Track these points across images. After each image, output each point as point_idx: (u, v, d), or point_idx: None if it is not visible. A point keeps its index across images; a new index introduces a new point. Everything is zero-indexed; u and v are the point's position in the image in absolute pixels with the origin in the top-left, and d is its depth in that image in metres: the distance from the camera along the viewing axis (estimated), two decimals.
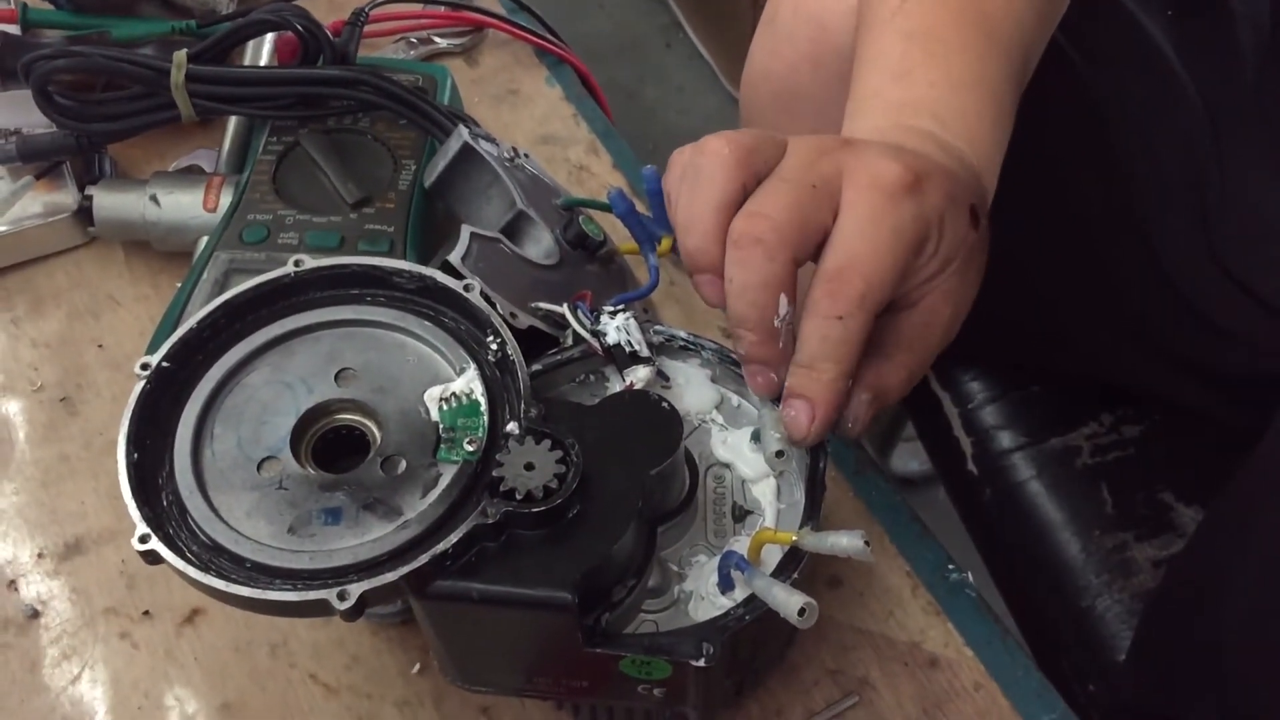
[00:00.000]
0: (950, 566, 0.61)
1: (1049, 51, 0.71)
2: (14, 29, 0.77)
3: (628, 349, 0.55)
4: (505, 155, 0.66)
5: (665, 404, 0.51)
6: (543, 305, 0.58)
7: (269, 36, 0.74)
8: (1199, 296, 0.77)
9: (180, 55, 0.67)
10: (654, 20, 1.99)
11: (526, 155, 0.68)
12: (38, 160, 0.73)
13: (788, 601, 0.47)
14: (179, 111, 0.68)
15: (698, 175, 0.51)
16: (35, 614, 0.60)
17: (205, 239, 0.67)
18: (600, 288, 0.65)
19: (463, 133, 0.64)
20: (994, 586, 0.97)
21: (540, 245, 0.64)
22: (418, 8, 0.82)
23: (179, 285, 0.66)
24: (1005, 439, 0.94)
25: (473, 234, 0.60)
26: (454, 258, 0.58)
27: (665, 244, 0.68)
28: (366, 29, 0.76)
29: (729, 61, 1.89)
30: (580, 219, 0.65)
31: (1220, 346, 0.78)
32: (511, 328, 0.56)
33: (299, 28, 0.67)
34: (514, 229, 0.64)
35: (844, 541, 0.48)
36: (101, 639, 0.59)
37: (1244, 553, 0.73)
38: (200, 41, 0.70)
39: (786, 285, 0.49)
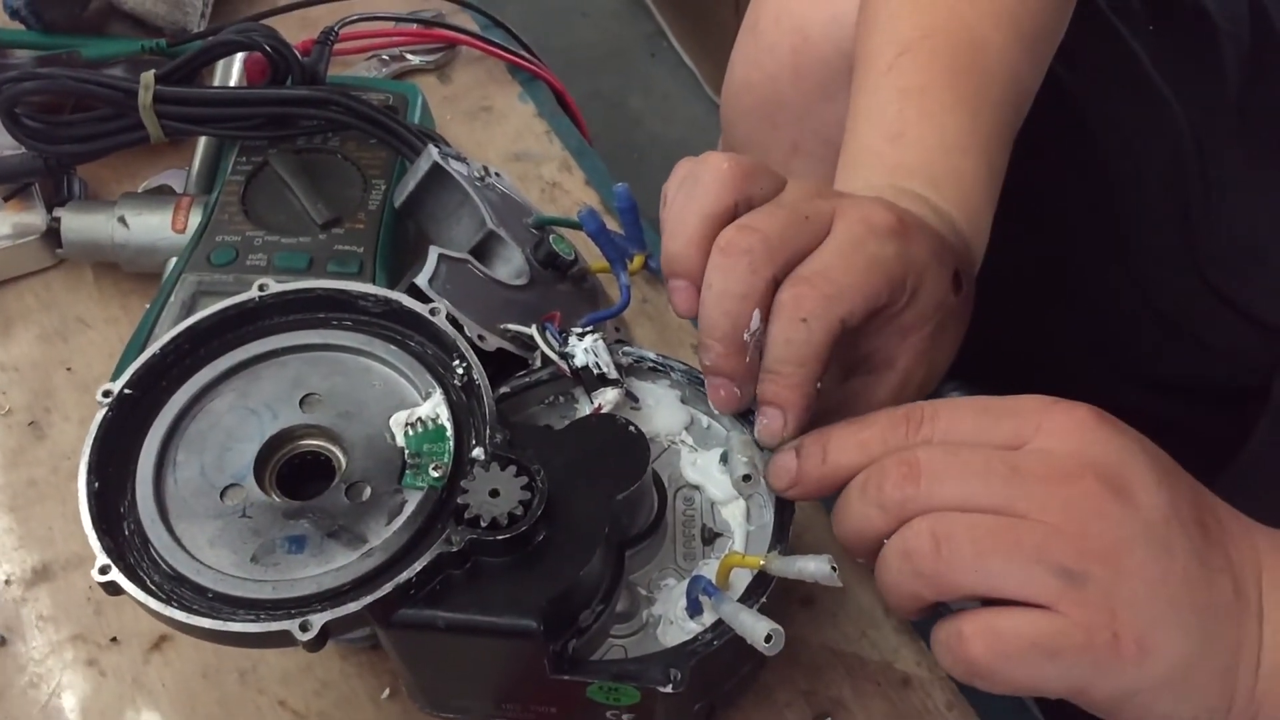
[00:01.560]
0: None
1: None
2: None
3: (596, 371, 0.55)
4: (475, 174, 0.66)
5: (632, 428, 0.51)
6: (511, 327, 0.58)
7: (238, 56, 0.73)
8: (1181, 309, 0.77)
9: (148, 76, 0.67)
10: (638, 29, 1.99)
11: (498, 174, 0.68)
12: (6, 182, 0.72)
13: (754, 628, 0.47)
14: (147, 132, 0.68)
15: (695, 183, 0.51)
16: (3, 641, 0.60)
17: (174, 260, 0.67)
18: (572, 307, 0.65)
19: (432, 153, 0.64)
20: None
21: (511, 265, 0.63)
22: (390, 25, 0.82)
23: (147, 307, 0.66)
24: None
25: (440, 255, 0.59)
26: (421, 280, 0.57)
27: (637, 262, 0.68)
28: (339, 45, 0.76)
29: (713, 70, 1.89)
30: (551, 238, 0.65)
31: (1201, 359, 0.78)
32: (480, 350, 0.56)
33: (267, 48, 0.67)
34: (484, 249, 0.64)
35: (811, 566, 0.48)
36: (69, 666, 0.59)
37: None
38: (170, 61, 0.69)
39: (763, 302, 0.49)
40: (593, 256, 0.67)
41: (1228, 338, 0.76)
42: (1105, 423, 0.44)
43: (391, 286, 0.61)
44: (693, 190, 0.51)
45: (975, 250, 0.59)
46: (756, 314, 0.49)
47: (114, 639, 0.60)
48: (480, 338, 0.57)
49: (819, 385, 0.49)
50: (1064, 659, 0.41)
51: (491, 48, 0.83)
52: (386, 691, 0.58)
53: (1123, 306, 0.79)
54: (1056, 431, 0.43)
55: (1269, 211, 0.73)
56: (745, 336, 0.49)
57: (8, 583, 0.62)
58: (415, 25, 0.82)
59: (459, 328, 0.54)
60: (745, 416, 0.55)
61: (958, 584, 0.43)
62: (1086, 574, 0.41)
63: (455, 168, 0.65)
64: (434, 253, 0.59)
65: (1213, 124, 0.75)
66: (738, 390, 0.50)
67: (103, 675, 0.59)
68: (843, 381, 0.55)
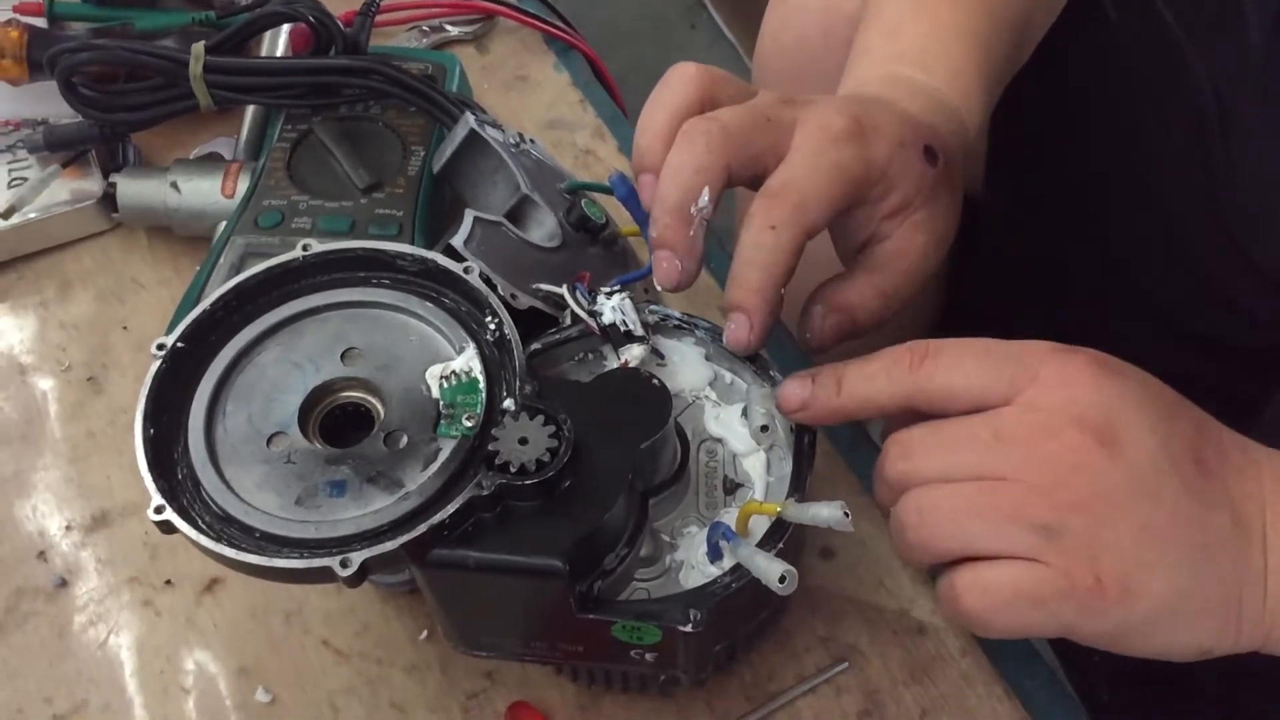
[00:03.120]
0: None
1: (1066, 16, 0.73)
2: (41, 22, 0.79)
3: (623, 328, 0.57)
4: (511, 141, 0.68)
5: (656, 381, 0.53)
6: (543, 286, 0.60)
7: (284, 28, 0.76)
8: (1204, 265, 0.78)
9: (198, 47, 0.70)
10: (678, 2, 2.00)
11: (532, 141, 0.70)
12: (64, 149, 0.76)
13: (769, 569, 0.49)
14: (198, 101, 0.71)
15: (664, 85, 0.55)
16: (64, 583, 0.63)
17: (223, 224, 0.70)
18: (602, 269, 0.67)
19: (469, 120, 0.66)
20: None
21: (544, 228, 0.66)
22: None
23: (198, 269, 0.69)
24: None
25: (476, 218, 0.62)
26: (457, 241, 0.60)
27: None
28: (380, 17, 0.78)
29: (753, 42, 1.90)
30: (583, 202, 0.67)
31: (1222, 317, 0.79)
32: (512, 308, 0.59)
33: (311, 19, 0.69)
34: (518, 213, 0.66)
35: (824, 512, 0.50)
36: (126, 606, 0.62)
37: None
38: (219, 32, 0.72)
39: (714, 182, 0.52)
40: (624, 221, 0.69)
41: (1248, 295, 0.77)
42: (1103, 370, 0.46)
43: (429, 248, 0.64)
44: (661, 91, 0.55)
45: (969, 121, 0.62)
46: (706, 190, 0.52)
47: (168, 581, 0.63)
48: (513, 296, 0.59)
49: (783, 291, 0.53)
50: (1049, 605, 0.44)
51: (527, 18, 0.85)
52: (425, 633, 0.61)
53: (1148, 258, 0.80)
54: (1050, 381, 0.45)
55: None
56: (692, 210, 0.52)
57: (68, 528, 0.65)
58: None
59: (492, 286, 0.57)
60: (765, 371, 0.57)
61: (943, 549, 0.46)
62: (1063, 526, 0.43)
63: (491, 134, 0.67)
64: (469, 215, 0.62)
65: (1235, 83, 0.75)
66: (679, 264, 0.53)
67: (158, 615, 0.62)
68: (854, 257, 0.58)
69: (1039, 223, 0.84)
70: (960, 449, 0.46)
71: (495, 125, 0.68)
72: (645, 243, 0.67)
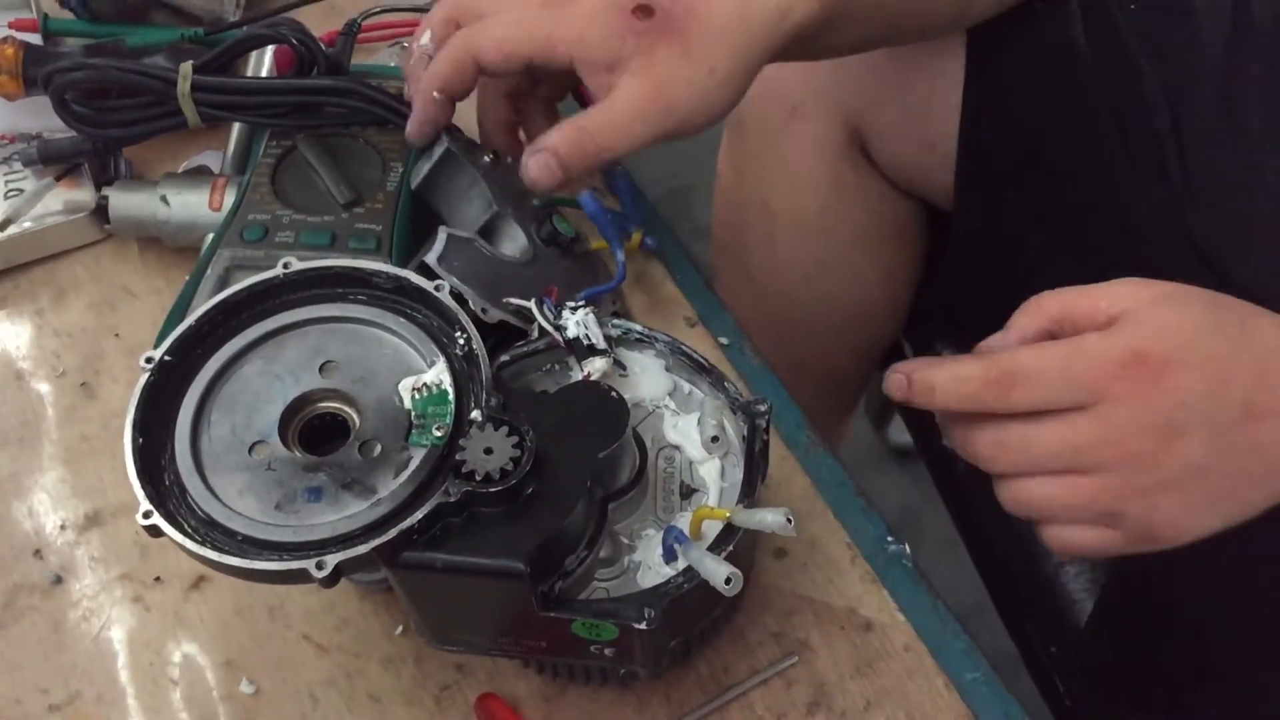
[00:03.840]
0: (889, 539, 0.66)
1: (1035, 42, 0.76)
2: (36, 38, 0.82)
3: (586, 342, 0.61)
4: (485, 159, 0.71)
5: (614, 393, 0.56)
6: (513, 300, 0.64)
7: (269, 49, 0.79)
8: (1175, 278, 0.81)
9: (186, 67, 0.73)
10: None
11: (509, 157, 0.74)
12: (58, 162, 0.79)
13: (716, 571, 0.52)
14: (186, 118, 0.74)
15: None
16: (58, 580, 0.67)
17: (211, 236, 0.73)
18: (573, 280, 0.71)
19: (444, 140, 0.70)
20: (958, 548, 1.02)
21: (516, 243, 0.69)
22: (412, 16, 0.87)
23: (187, 279, 0.72)
24: None
25: (449, 235, 0.65)
26: (430, 258, 0.63)
27: (635, 239, 0.74)
28: (364, 34, 0.81)
29: None
30: (554, 218, 0.71)
31: None
32: (483, 322, 0.62)
33: (293, 41, 0.73)
34: (491, 228, 0.69)
35: (769, 518, 0.53)
36: (118, 602, 0.66)
37: None
38: (207, 50, 0.75)
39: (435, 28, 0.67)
40: (596, 236, 0.73)
41: None
42: (1164, 372, 0.55)
43: (406, 261, 0.67)
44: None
45: None
46: (429, 33, 0.66)
47: (158, 578, 0.66)
48: (483, 310, 0.63)
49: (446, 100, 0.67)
50: (1109, 550, 0.58)
51: None
52: (400, 628, 0.64)
53: (1121, 274, 0.83)
54: (1119, 396, 0.55)
55: (1254, 195, 0.77)
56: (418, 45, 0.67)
57: (63, 527, 0.69)
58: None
59: (463, 302, 0.60)
60: (720, 384, 0.61)
61: (1031, 517, 0.59)
62: (1125, 510, 0.56)
63: (465, 153, 0.70)
64: (443, 232, 0.65)
65: (1191, 98, 0.78)
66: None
67: (147, 610, 0.65)
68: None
69: (1007, 240, 0.87)
70: (1042, 458, 0.56)
71: (471, 143, 0.72)
72: (614, 255, 0.70)
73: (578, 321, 0.61)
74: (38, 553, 0.68)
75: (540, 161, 0.63)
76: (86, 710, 0.62)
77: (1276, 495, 0.57)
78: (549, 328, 0.61)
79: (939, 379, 0.58)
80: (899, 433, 1.68)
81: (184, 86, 0.73)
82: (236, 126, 0.80)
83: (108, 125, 0.76)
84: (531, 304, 0.62)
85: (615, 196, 0.79)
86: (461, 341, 0.57)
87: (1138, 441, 0.55)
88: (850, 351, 1.07)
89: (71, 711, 0.62)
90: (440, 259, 0.64)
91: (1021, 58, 0.81)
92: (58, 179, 0.80)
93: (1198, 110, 0.78)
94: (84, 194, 0.79)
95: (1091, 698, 0.88)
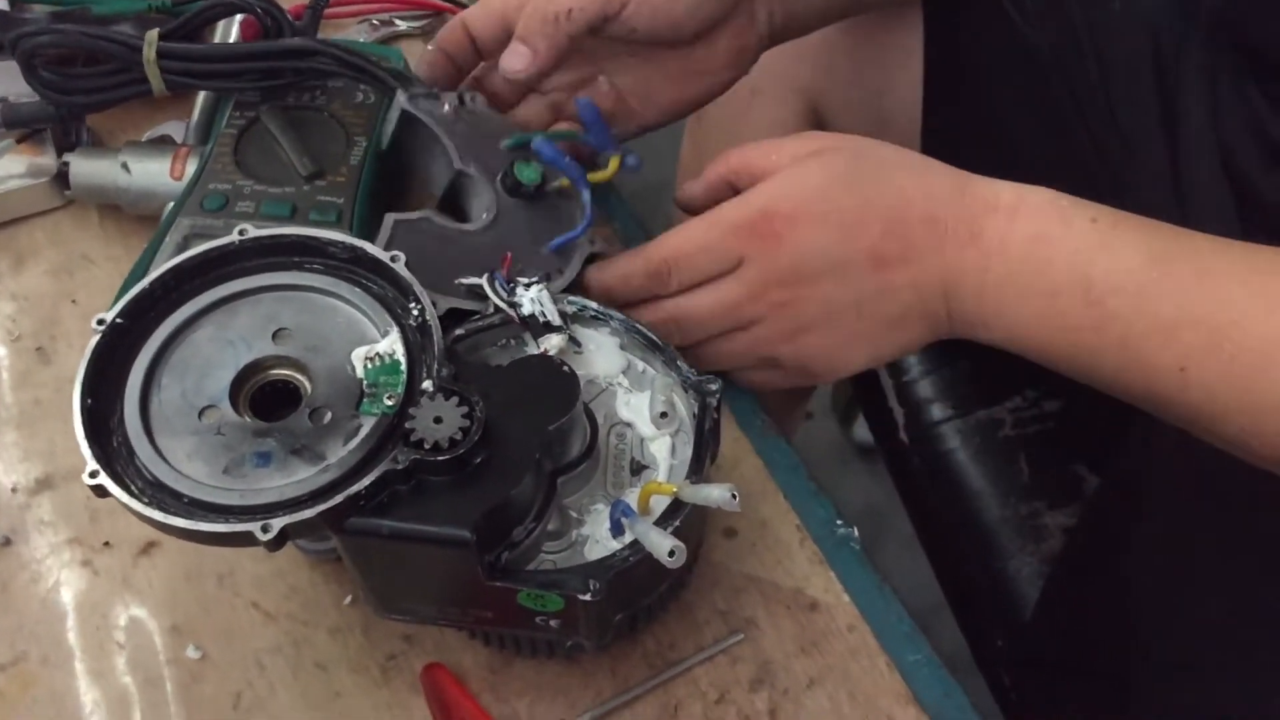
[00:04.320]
0: (839, 522, 0.67)
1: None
2: (3, 4, 0.82)
3: (541, 319, 0.61)
4: (447, 110, 0.71)
5: (566, 367, 0.57)
6: (464, 281, 0.64)
7: (236, 19, 0.79)
8: None
9: (152, 34, 0.73)
10: None
11: (473, 97, 0.73)
12: (21, 127, 0.79)
13: (660, 544, 0.53)
14: (151, 86, 0.74)
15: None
16: (8, 541, 0.67)
17: (171, 205, 0.73)
18: (544, 228, 0.69)
19: (400, 100, 0.69)
20: (920, 547, 1.04)
21: (483, 199, 0.68)
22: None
23: (146, 246, 0.72)
24: (935, 411, 1.00)
25: (395, 221, 0.65)
26: (375, 249, 0.62)
27: (613, 165, 0.72)
28: (330, 10, 0.81)
29: None
30: (515, 165, 0.69)
31: None
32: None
33: (259, 10, 0.73)
34: (457, 188, 0.69)
35: (715, 494, 0.54)
36: (66, 565, 0.66)
37: (1136, 516, 0.79)
38: (173, 20, 0.75)
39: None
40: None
41: None
42: (793, 227, 0.61)
43: (366, 235, 0.67)
44: None
45: None
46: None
47: (106, 543, 0.66)
48: (433, 303, 0.62)
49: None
50: (779, 383, 0.68)
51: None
52: (349, 598, 0.64)
53: None
54: (754, 256, 0.62)
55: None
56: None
57: (14, 490, 0.68)
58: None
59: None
60: (674, 362, 0.61)
61: (720, 369, 0.66)
62: (777, 353, 0.65)
63: (425, 108, 0.70)
64: (388, 220, 0.65)
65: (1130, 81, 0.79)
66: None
67: (96, 574, 0.65)
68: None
69: None
70: (704, 324, 0.65)
71: (431, 95, 0.71)
72: (579, 194, 0.69)
73: (532, 299, 0.62)
74: None
75: (513, 50, 0.69)
76: (32, 670, 0.62)
77: (923, 336, 0.64)
78: (503, 305, 0.62)
79: (611, 280, 0.66)
80: (864, 431, 1.69)
81: (149, 53, 0.72)
82: (200, 97, 0.80)
83: (74, 92, 0.75)
84: (483, 280, 0.63)
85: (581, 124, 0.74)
86: (416, 312, 0.58)
87: (776, 291, 0.62)
88: None
89: (16, 672, 0.62)
90: (386, 248, 0.63)
91: (977, 38, 0.83)
92: (19, 142, 0.79)
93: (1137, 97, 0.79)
94: (45, 159, 0.79)
95: (1037, 691, 0.89)
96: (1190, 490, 0.73)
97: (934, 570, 1.01)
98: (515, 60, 0.70)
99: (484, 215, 0.68)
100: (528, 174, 0.69)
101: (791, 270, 0.62)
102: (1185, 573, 0.74)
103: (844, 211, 0.61)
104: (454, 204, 0.72)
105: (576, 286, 0.67)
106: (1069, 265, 0.59)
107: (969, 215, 0.61)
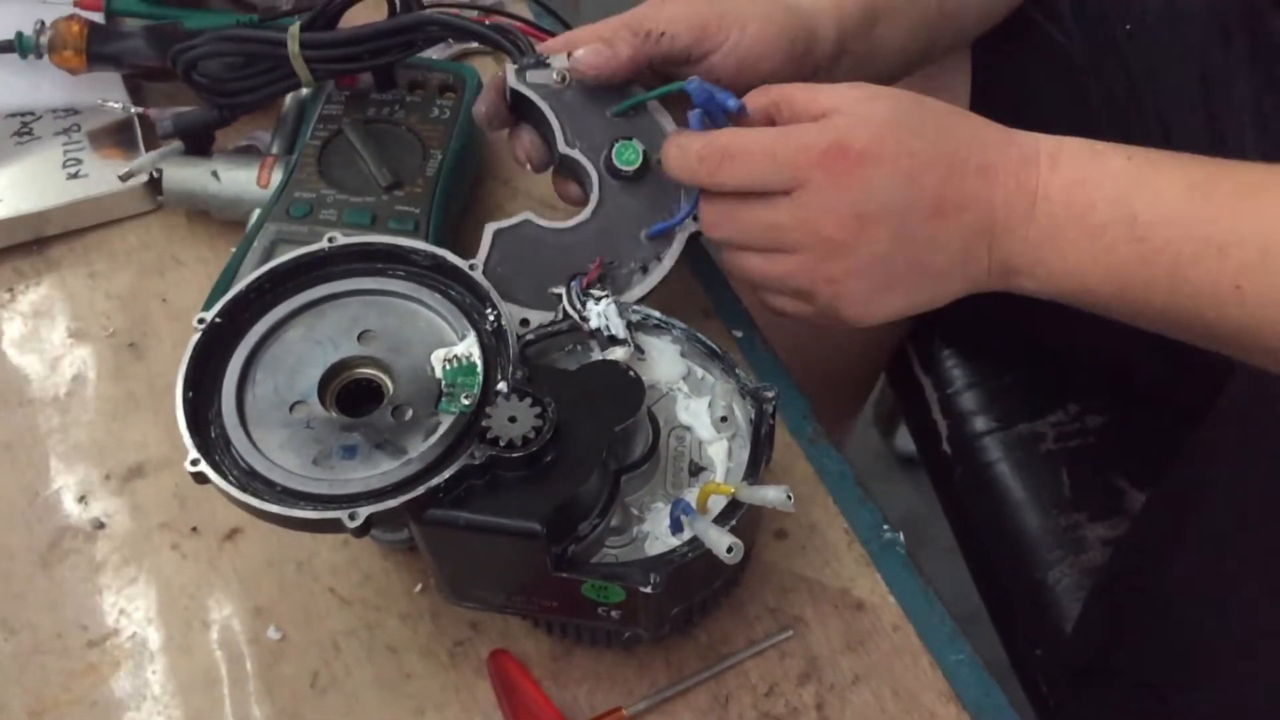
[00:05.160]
0: (885, 527, 0.70)
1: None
2: (99, 17, 0.87)
3: (606, 333, 0.64)
4: (555, 80, 0.70)
5: (632, 372, 0.60)
6: (555, 290, 0.67)
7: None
8: None
9: (294, 28, 0.76)
10: None
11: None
12: (190, 133, 0.82)
13: (719, 541, 0.56)
14: (299, 78, 0.77)
15: None
16: (101, 525, 0.71)
17: (258, 211, 0.77)
18: (644, 213, 0.70)
19: (509, 74, 0.69)
20: (962, 556, 1.06)
21: (590, 179, 0.69)
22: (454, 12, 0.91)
23: (233, 250, 0.76)
24: (979, 423, 1.02)
25: (496, 231, 0.68)
26: (455, 258, 0.63)
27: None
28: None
29: None
30: (615, 148, 0.69)
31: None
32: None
33: None
34: (563, 168, 0.71)
35: (771, 494, 0.57)
36: (155, 549, 0.70)
37: (1184, 530, 0.81)
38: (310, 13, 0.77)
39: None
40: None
41: None
42: (860, 166, 0.60)
43: (440, 243, 0.71)
44: None
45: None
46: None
47: (194, 529, 0.70)
48: (524, 322, 0.66)
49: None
50: (813, 320, 0.67)
51: (541, 33, 0.92)
52: (419, 586, 0.68)
53: None
54: (816, 186, 0.61)
55: None
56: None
57: (108, 478, 0.73)
58: (474, 13, 0.91)
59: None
60: (732, 370, 0.64)
61: (747, 282, 0.67)
62: (815, 290, 0.64)
63: (534, 80, 0.70)
64: (489, 230, 0.68)
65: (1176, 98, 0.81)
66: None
67: (184, 558, 0.70)
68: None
69: None
70: (749, 232, 0.64)
71: (540, 64, 0.70)
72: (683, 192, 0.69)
73: (599, 313, 0.65)
74: (82, 499, 0.72)
75: (594, 47, 0.68)
76: (122, 647, 0.66)
77: (961, 288, 0.64)
78: (574, 314, 0.65)
79: (669, 149, 0.66)
80: (905, 441, 1.71)
81: (294, 47, 0.75)
82: (286, 107, 0.84)
83: (232, 94, 0.79)
84: (562, 290, 0.66)
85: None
86: (492, 318, 0.61)
87: (831, 227, 0.61)
88: (856, 355, 1.10)
89: (107, 648, 0.66)
90: (486, 261, 0.67)
91: (1023, 61, 0.85)
92: (185, 152, 0.82)
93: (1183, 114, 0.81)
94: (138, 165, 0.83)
95: (1075, 700, 0.91)
96: (1239, 507, 0.75)
97: (974, 579, 1.03)
98: (593, 56, 0.68)
99: (589, 202, 0.69)
100: (627, 156, 0.69)
101: (851, 209, 0.61)
102: (1230, 589, 0.76)
103: (914, 155, 0.61)
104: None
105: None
106: (1111, 204, 0.59)
107: (1015, 164, 0.62)
